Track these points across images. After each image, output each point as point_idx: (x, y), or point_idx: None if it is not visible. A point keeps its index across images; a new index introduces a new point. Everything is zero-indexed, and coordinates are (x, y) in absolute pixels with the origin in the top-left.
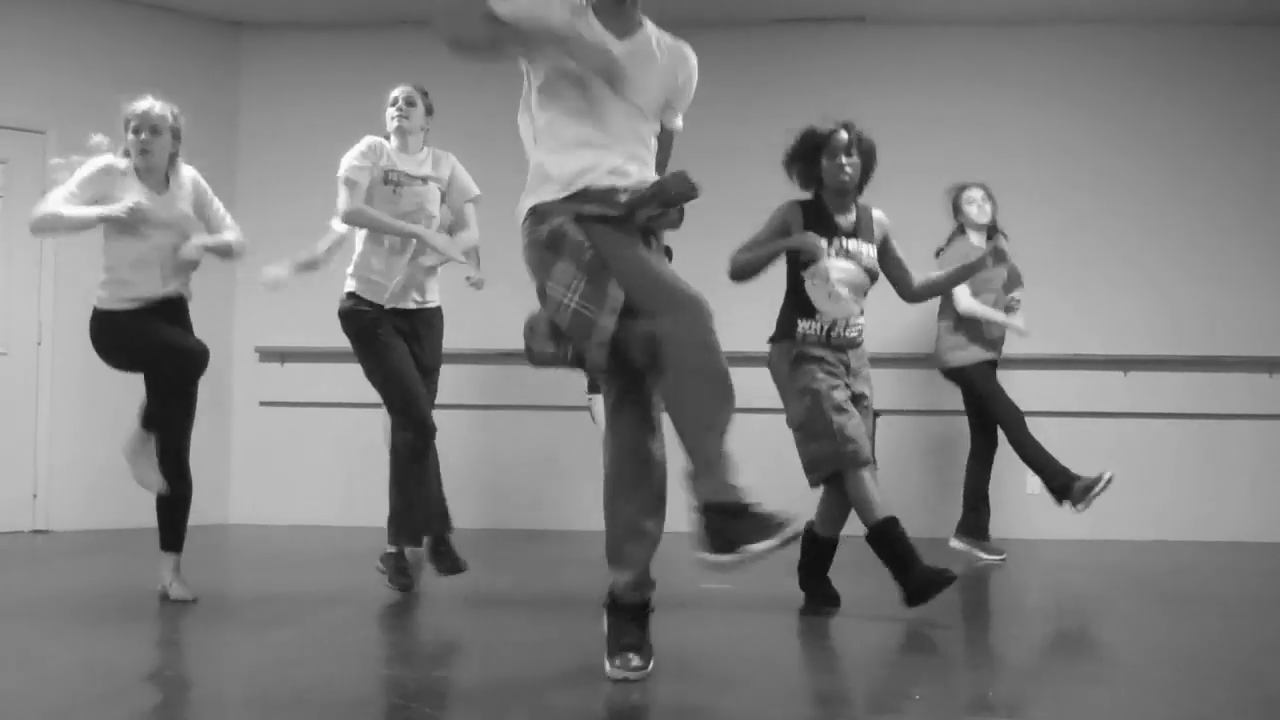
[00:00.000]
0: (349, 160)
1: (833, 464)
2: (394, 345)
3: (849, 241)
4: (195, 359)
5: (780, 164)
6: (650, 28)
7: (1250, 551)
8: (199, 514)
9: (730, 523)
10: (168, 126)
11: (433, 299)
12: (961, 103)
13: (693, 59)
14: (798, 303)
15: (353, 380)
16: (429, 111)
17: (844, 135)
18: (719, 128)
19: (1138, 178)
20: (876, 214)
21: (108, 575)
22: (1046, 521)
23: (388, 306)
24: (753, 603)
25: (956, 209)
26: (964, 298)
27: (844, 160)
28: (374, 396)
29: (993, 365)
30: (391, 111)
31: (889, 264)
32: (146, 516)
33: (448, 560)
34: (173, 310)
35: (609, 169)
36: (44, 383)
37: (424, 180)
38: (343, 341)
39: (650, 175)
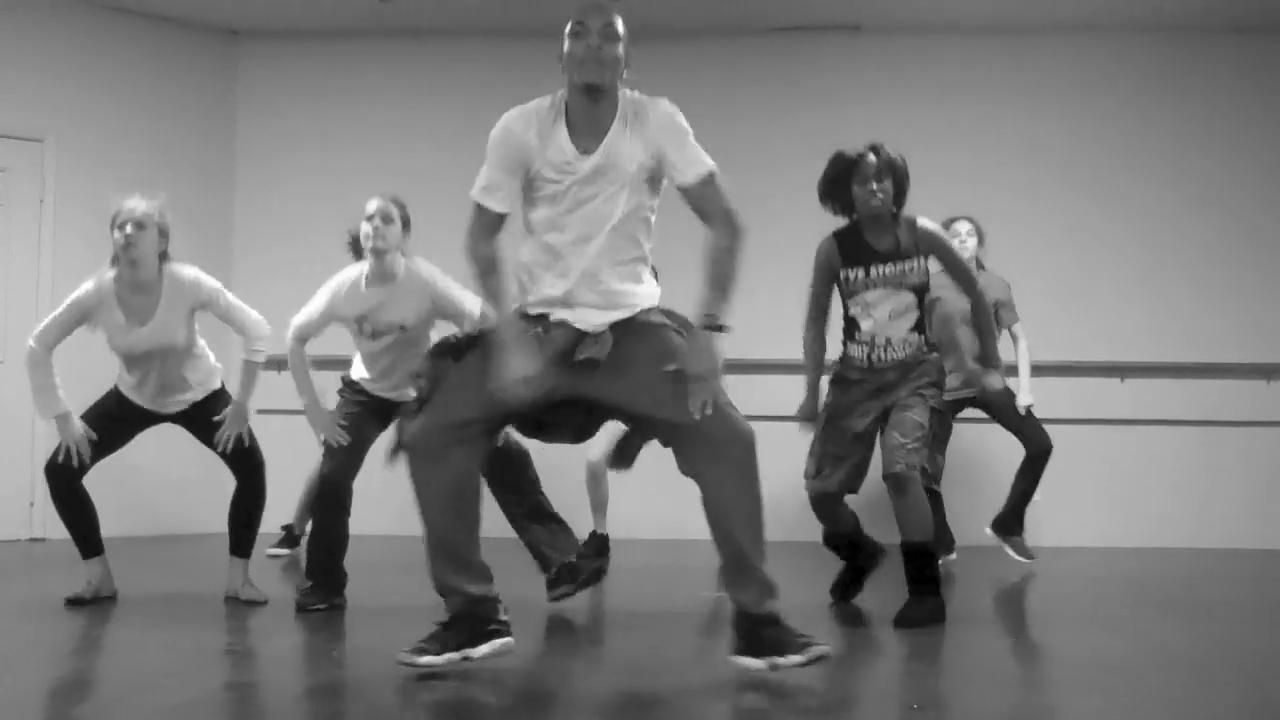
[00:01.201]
0: (304, 313)
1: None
2: (359, 424)
3: (885, 267)
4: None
5: (777, 172)
6: (621, 111)
7: (1248, 558)
8: (195, 523)
9: (762, 631)
10: (153, 223)
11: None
12: (957, 110)
13: (663, 107)
14: (846, 325)
15: None
16: (406, 225)
17: (873, 159)
18: (715, 135)
19: (1134, 184)
20: (923, 226)
21: None
22: (1044, 528)
23: (377, 394)
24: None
25: None
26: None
27: (874, 186)
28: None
29: (972, 403)
30: (366, 228)
31: (950, 273)
32: (142, 525)
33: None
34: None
35: (559, 299)
36: None
37: (399, 328)
38: (338, 350)
39: (596, 312)
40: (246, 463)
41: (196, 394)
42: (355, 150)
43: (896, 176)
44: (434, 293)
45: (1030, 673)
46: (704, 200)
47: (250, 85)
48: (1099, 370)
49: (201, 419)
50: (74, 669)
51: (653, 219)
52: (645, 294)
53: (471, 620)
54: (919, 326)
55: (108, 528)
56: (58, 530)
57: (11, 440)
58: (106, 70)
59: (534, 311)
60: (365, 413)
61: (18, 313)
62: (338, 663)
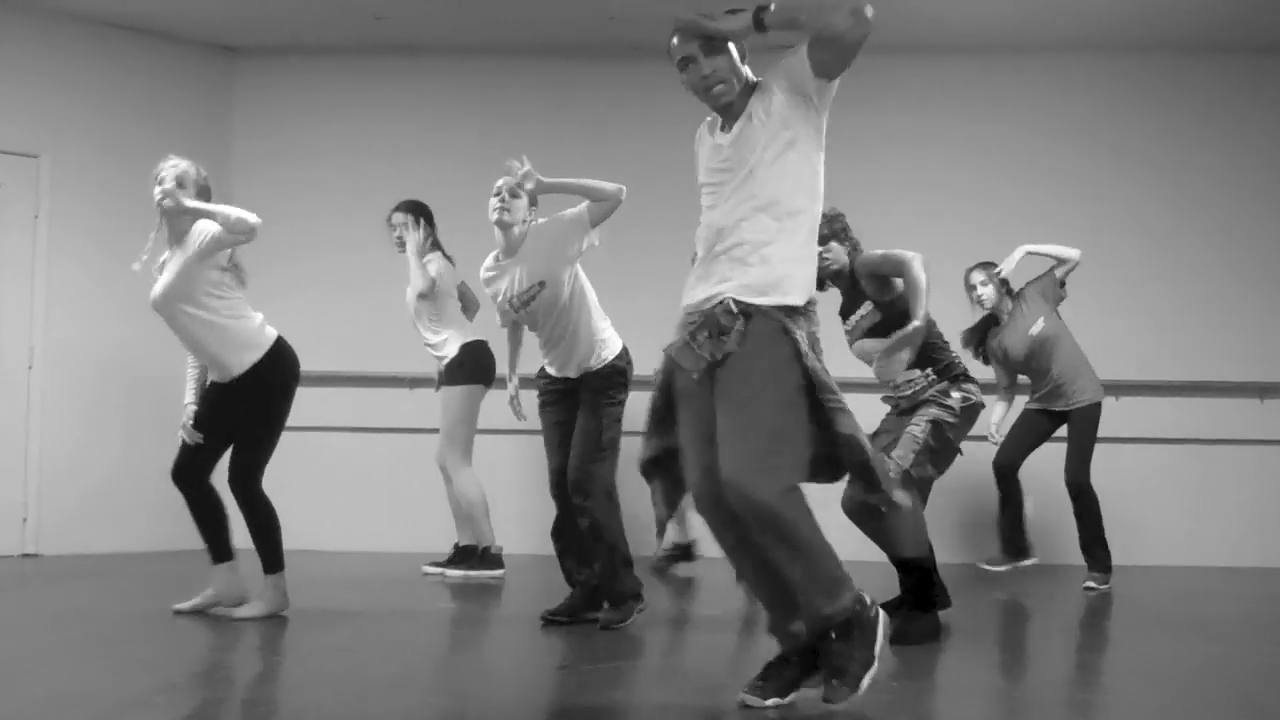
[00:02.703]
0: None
1: None
2: (545, 418)
3: (848, 324)
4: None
5: None
6: (758, 95)
7: (1241, 576)
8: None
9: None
10: (190, 181)
11: (595, 363)
12: (952, 126)
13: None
14: None
15: (353, 404)
16: (534, 201)
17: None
18: None
19: (1127, 202)
20: (858, 262)
21: (97, 599)
22: (1038, 546)
23: (555, 374)
24: (748, 621)
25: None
26: None
27: (820, 251)
28: (376, 420)
29: (1039, 415)
30: (493, 202)
31: (895, 276)
32: (136, 541)
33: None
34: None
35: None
36: (34, 406)
37: (540, 284)
38: (343, 365)
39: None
40: (247, 501)
41: (233, 358)
42: (351, 167)
43: (841, 235)
44: (547, 237)
45: (1023, 690)
46: (824, 49)
47: (247, 102)
48: None
49: (232, 396)
50: (67, 685)
51: (812, 169)
52: (772, 278)
53: (804, 654)
54: (920, 361)
55: (115, 543)
56: (51, 546)
57: (5, 456)
58: (102, 87)
59: (684, 303)
60: (554, 402)
61: (11, 329)
62: (334, 681)
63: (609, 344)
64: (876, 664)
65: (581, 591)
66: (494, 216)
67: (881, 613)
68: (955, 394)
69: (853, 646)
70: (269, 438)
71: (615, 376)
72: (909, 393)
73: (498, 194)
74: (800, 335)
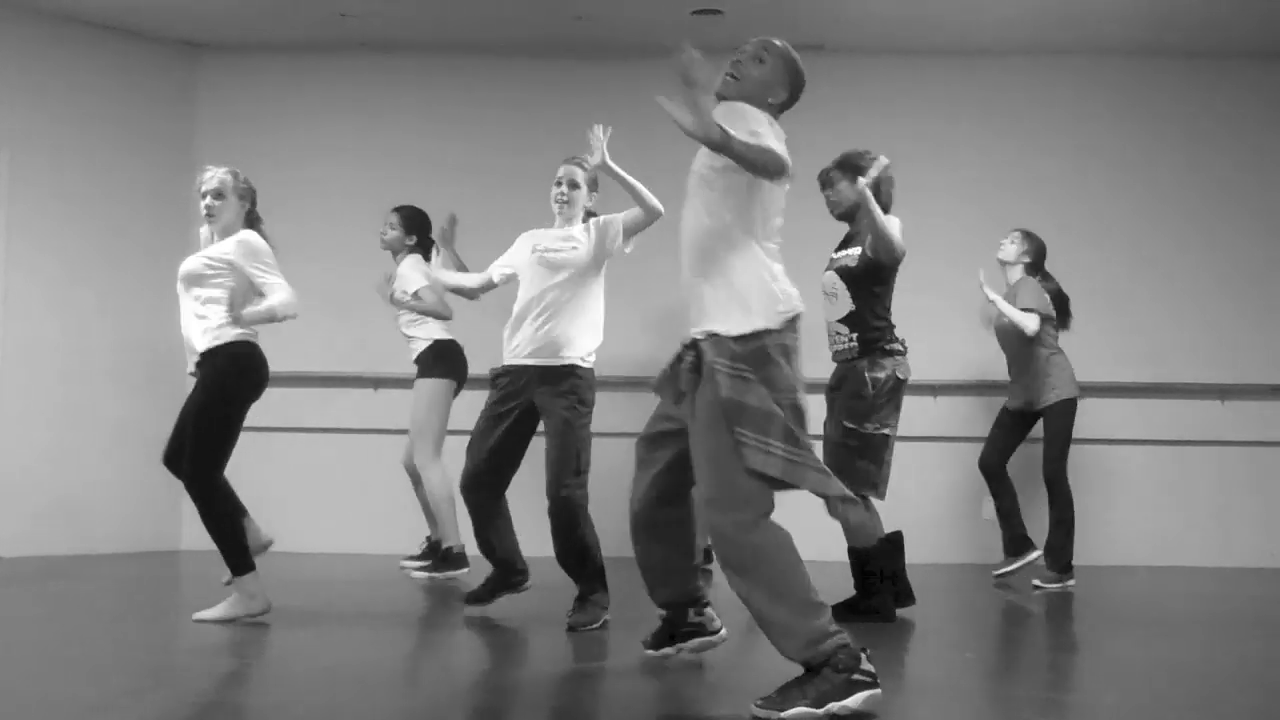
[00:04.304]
0: None
1: None
2: (489, 413)
3: (839, 254)
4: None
5: None
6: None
7: (1205, 576)
8: (168, 539)
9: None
10: (230, 190)
11: (551, 359)
12: (918, 128)
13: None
14: None
15: (319, 405)
16: (593, 188)
17: (827, 173)
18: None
19: (1095, 203)
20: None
21: (61, 602)
22: (999, 547)
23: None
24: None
25: None
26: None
27: (826, 194)
28: (343, 421)
29: (1033, 418)
30: (554, 191)
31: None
32: (96, 543)
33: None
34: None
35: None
36: None
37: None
38: (308, 365)
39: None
40: (187, 475)
41: (205, 341)
42: (316, 165)
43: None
44: (606, 223)
45: (988, 690)
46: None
47: (211, 101)
48: None
49: (197, 380)
50: (31, 689)
51: (749, 197)
52: (721, 310)
53: (834, 668)
54: (854, 321)
55: (78, 545)
56: (12, 549)
57: None
58: (63, 83)
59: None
60: (504, 400)
61: None
62: (302, 682)
63: (578, 348)
64: (817, 714)
65: (497, 569)
66: (556, 209)
67: (868, 689)
68: (868, 375)
69: (810, 685)
70: (211, 431)
71: (575, 393)
72: (839, 348)
73: (559, 184)
74: (721, 365)
